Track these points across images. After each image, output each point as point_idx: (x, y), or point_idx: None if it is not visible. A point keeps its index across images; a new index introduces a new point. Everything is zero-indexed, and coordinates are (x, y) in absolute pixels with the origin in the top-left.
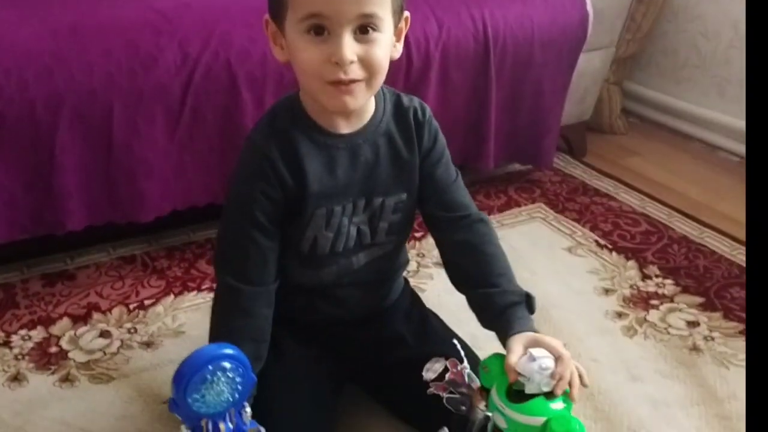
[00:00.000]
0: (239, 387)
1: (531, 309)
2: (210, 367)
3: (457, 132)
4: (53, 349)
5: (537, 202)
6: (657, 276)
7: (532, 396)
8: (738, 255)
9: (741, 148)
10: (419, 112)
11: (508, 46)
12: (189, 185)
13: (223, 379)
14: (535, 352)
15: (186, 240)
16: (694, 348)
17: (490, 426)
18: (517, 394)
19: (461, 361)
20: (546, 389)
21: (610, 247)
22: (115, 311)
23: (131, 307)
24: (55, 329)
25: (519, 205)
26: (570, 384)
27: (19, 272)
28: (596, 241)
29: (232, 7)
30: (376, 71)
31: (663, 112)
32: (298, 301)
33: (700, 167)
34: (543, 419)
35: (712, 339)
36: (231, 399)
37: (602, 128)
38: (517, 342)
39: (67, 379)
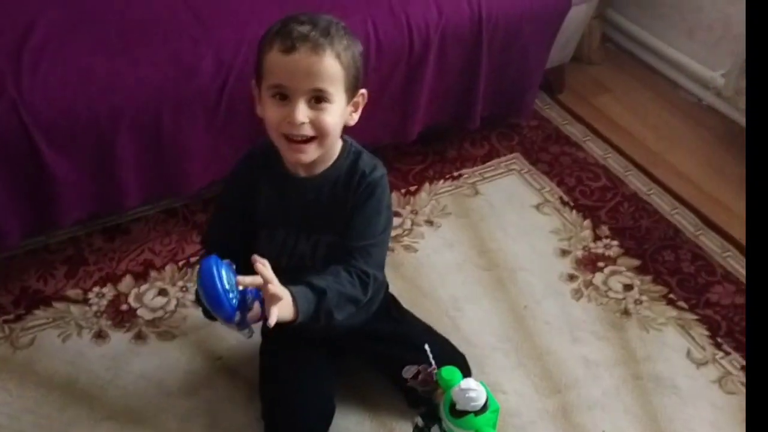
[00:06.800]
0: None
1: (318, 305)
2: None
3: (449, 100)
4: (124, 307)
5: (515, 152)
6: (606, 237)
7: (466, 413)
8: (675, 215)
9: (698, 91)
10: (366, 172)
11: (500, 23)
12: (224, 162)
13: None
14: (464, 384)
15: (218, 192)
16: (625, 312)
17: (440, 429)
18: (455, 410)
19: (430, 365)
20: (474, 410)
21: (572, 204)
22: (168, 269)
23: (180, 264)
24: (122, 287)
25: (499, 155)
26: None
27: (82, 226)
28: (561, 198)
29: (258, 3)
30: (324, 133)
31: (637, 44)
32: None
33: (661, 108)
34: (471, 431)
35: (641, 303)
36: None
37: (581, 58)
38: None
39: (140, 337)
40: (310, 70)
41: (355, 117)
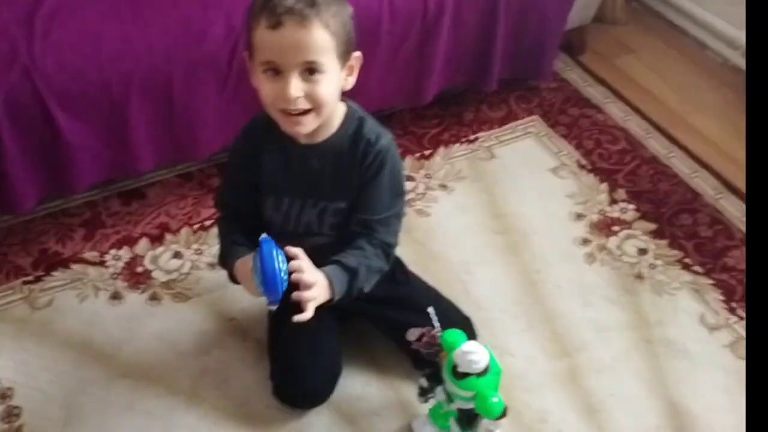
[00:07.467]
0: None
1: (351, 283)
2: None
3: (465, 62)
4: (139, 269)
5: (533, 114)
6: (623, 200)
7: (467, 374)
8: (695, 179)
9: (726, 51)
10: (372, 140)
11: None
12: (236, 127)
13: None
14: (466, 347)
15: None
16: (639, 276)
17: (444, 390)
18: (457, 372)
19: (434, 327)
20: (476, 372)
21: (589, 167)
22: (183, 232)
23: (195, 228)
24: (138, 249)
25: (517, 118)
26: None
27: (99, 190)
28: (578, 161)
29: None
30: (320, 104)
31: (662, 2)
32: None
33: (686, 68)
34: (473, 393)
35: (655, 267)
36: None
37: (604, 18)
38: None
39: (154, 298)
40: (299, 44)
41: (351, 81)
